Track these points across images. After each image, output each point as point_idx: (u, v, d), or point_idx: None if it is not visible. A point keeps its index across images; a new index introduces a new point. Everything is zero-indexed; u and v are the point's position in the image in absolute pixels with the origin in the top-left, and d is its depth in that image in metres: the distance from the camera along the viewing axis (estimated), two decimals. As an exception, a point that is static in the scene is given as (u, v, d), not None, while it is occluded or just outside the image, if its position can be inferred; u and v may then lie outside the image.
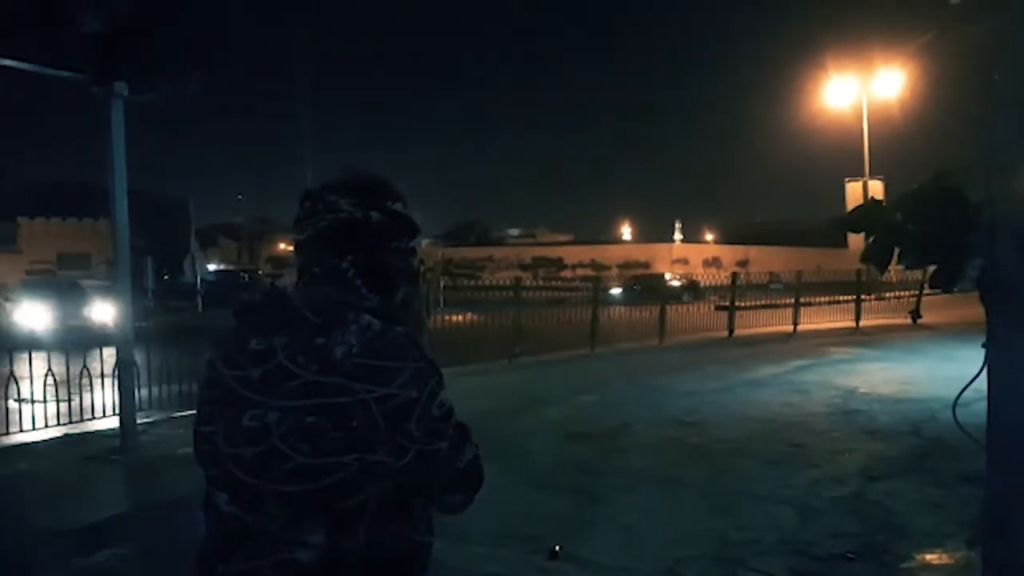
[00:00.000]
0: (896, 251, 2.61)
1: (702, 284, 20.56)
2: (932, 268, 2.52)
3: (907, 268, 2.67)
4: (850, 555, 4.30)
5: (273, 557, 1.27)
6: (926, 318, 19.14)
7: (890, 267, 2.68)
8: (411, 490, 1.36)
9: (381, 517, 1.32)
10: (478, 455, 1.44)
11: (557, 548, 4.37)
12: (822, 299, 20.47)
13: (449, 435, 1.38)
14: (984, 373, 2.28)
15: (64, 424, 7.49)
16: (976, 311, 2.39)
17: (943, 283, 2.41)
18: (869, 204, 2.95)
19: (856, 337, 16.44)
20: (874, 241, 2.67)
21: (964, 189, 2.39)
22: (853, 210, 3.09)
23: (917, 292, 20.95)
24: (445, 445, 1.36)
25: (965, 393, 2.46)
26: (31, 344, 9.34)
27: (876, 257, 2.68)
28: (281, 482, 1.25)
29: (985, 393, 2.30)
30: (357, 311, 1.36)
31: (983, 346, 2.28)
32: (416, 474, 1.32)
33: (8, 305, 18.85)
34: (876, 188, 33.71)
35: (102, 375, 7.71)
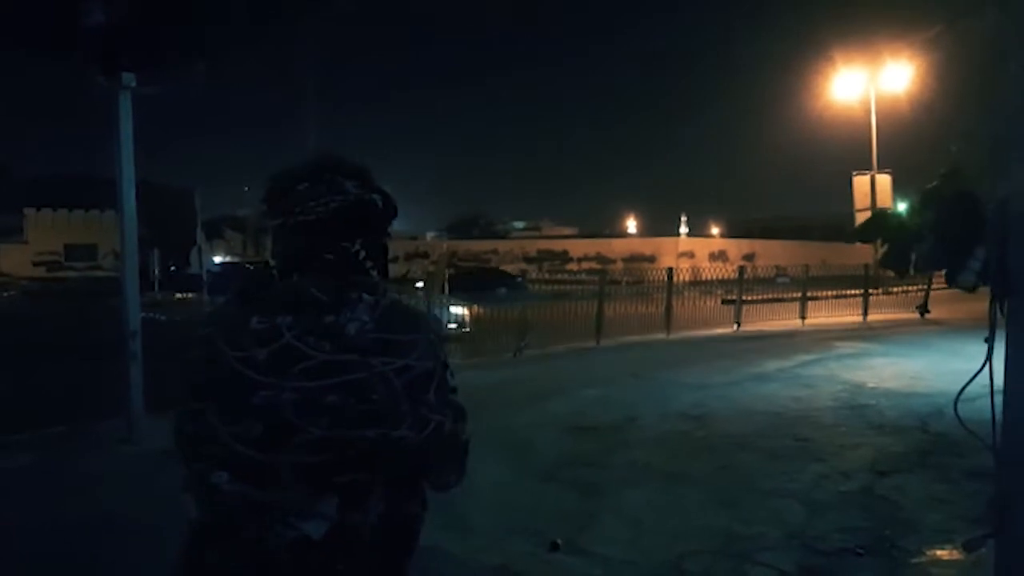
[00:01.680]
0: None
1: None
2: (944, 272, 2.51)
3: (923, 271, 2.66)
4: (859, 550, 4.29)
5: (283, 533, 1.25)
6: (934, 313, 19.06)
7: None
8: (422, 465, 1.36)
9: (390, 491, 1.33)
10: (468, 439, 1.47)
11: (559, 541, 4.37)
12: (829, 293, 20.39)
13: (457, 406, 1.41)
14: (986, 369, 2.25)
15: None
16: (983, 307, 2.37)
17: (959, 280, 2.38)
18: (878, 214, 2.95)
19: (863, 332, 16.38)
20: (890, 248, 2.66)
21: (976, 187, 2.38)
22: (864, 223, 3.10)
23: (925, 287, 20.92)
24: (455, 416, 1.39)
25: (970, 389, 2.44)
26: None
27: (895, 263, 2.67)
28: (298, 455, 1.23)
29: (991, 389, 2.28)
30: (359, 290, 1.37)
31: (985, 341, 2.25)
32: (433, 447, 1.32)
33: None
34: (884, 182, 33.50)
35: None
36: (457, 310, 12.79)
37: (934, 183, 2.56)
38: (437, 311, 13.08)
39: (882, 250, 2.73)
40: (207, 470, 1.30)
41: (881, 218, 2.83)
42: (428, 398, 1.30)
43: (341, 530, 1.27)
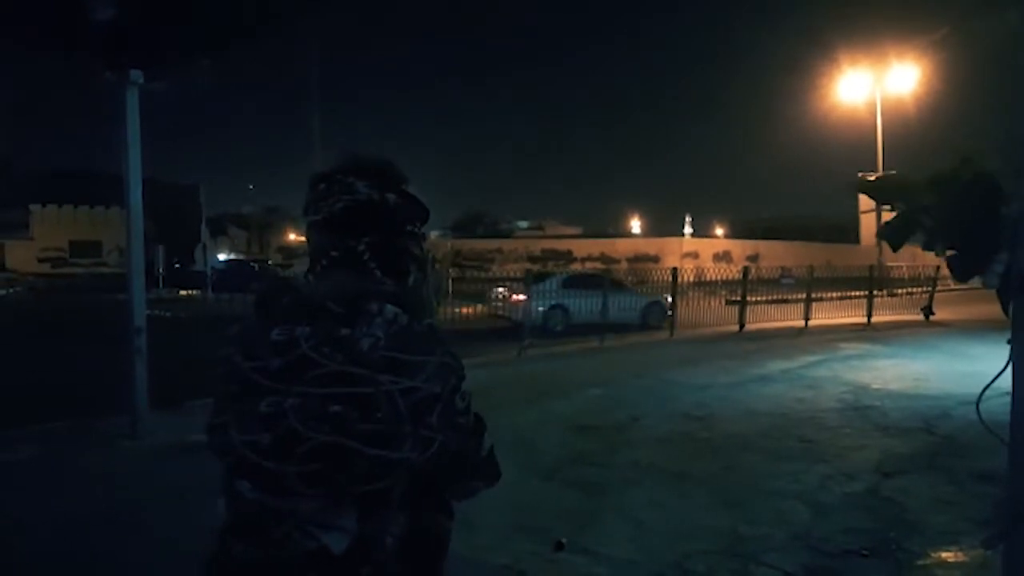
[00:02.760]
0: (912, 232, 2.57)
1: None
2: (949, 255, 2.48)
3: (926, 250, 2.62)
4: (863, 552, 4.27)
5: (302, 545, 1.26)
6: (938, 315, 19.09)
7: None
8: (435, 481, 1.37)
9: (410, 503, 1.33)
10: (493, 445, 1.48)
11: (563, 540, 4.37)
12: (833, 294, 20.38)
13: (470, 427, 1.41)
14: (1008, 371, 2.24)
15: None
16: (988, 308, 2.35)
17: (962, 272, 2.36)
18: (898, 175, 2.90)
19: (867, 333, 16.34)
20: (895, 217, 2.63)
21: (994, 175, 2.35)
22: (881, 177, 3.05)
23: (930, 289, 20.92)
24: (465, 437, 1.39)
25: (978, 390, 2.43)
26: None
27: (894, 234, 2.63)
28: (304, 462, 1.24)
29: (1002, 391, 2.27)
30: (379, 302, 1.37)
31: (1008, 343, 2.24)
32: (439, 466, 1.33)
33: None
34: (889, 184, 33.39)
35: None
36: (668, 299, 16.82)
37: (950, 167, 2.53)
38: (659, 300, 17.13)
39: (890, 218, 2.69)
40: (231, 478, 1.32)
41: (901, 182, 2.79)
42: (431, 420, 1.30)
43: (363, 542, 1.28)
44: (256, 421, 1.28)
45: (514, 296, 15.98)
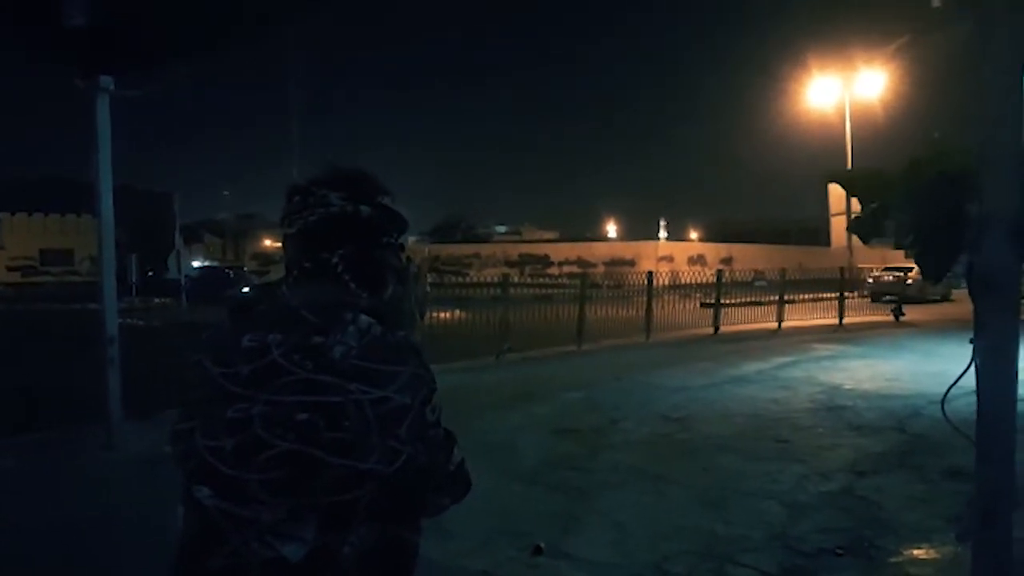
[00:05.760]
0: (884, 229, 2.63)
1: None
2: (918, 254, 2.54)
3: (897, 248, 2.68)
4: (839, 550, 4.33)
5: (259, 554, 1.23)
6: (908, 316, 19.39)
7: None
8: (402, 494, 1.35)
9: (373, 515, 1.30)
10: (464, 459, 1.46)
11: (541, 545, 4.38)
12: (806, 296, 20.62)
13: (439, 440, 1.39)
14: (972, 368, 2.29)
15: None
16: (957, 309, 2.41)
17: (932, 272, 2.42)
18: (870, 170, 2.95)
19: (840, 334, 16.56)
20: (866, 212, 2.69)
21: (963, 170, 2.40)
22: (854, 169, 3.09)
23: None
24: (435, 450, 1.37)
25: (949, 390, 2.48)
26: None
27: (863, 228, 2.68)
28: (267, 470, 1.22)
29: (969, 390, 2.32)
30: (354, 312, 1.36)
31: (971, 341, 2.29)
32: (406, 479, 1.31)
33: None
34: (860, 186, 33.87)
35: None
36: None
37: (915, 161, 2.59)
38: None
39: (861, 212, 2.74)
40: (191, 484, 1.30)
41: (869, 172, 2.85)
42: (399, 432, 1.28)
43: (321, 554, 1.25)
44: (222, 427, 1.26)
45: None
